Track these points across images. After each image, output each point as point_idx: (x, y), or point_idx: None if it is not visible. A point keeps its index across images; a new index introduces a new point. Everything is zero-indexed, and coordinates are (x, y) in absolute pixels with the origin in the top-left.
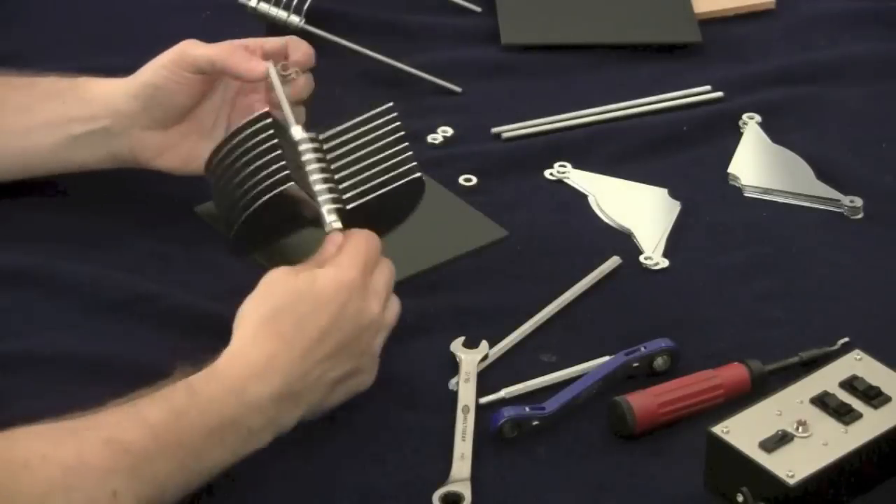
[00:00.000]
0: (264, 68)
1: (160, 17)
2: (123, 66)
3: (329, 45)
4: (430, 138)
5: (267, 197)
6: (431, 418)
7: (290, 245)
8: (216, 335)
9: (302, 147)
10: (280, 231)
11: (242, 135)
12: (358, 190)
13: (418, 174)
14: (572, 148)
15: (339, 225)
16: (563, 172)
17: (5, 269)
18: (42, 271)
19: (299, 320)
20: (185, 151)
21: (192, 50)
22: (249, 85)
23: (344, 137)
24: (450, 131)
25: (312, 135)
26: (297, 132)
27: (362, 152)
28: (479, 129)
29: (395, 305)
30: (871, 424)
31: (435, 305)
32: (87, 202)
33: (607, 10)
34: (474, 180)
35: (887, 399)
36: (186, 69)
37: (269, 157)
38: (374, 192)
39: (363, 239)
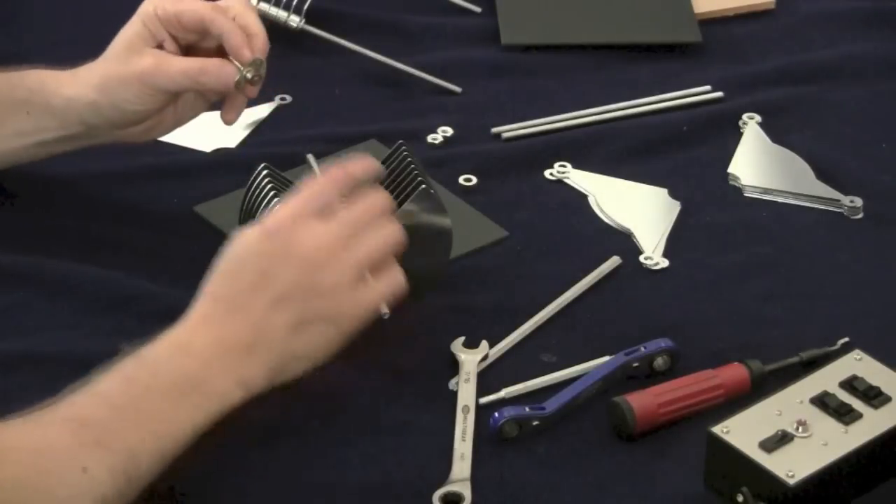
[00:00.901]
0: (235, 73)
1: None
2: None
3: (329, 45)
4: (430, 138)
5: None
6: (431, 418)
7: None
8: None
9: None
10: None
11: (248, 188)
12: None
13: (423, 186)
14: (572, 148)
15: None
16: (563, 172)
17: (5, 269)
18: (42, 271)
19: (230, 275)
20: (166, 128)
21: (159, 81)
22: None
23: None
24: (450, 131)
25: None
26: None
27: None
28: (479, 129)
29: (370, 239)
30: (871, 424)
31: (435, 305)
32: (87, 202)
33: (607, 10)
34: (474, 180)
35: (887, 399)
36: (155, 95)
37: (265, 198)
38: None
39: (310, 184)
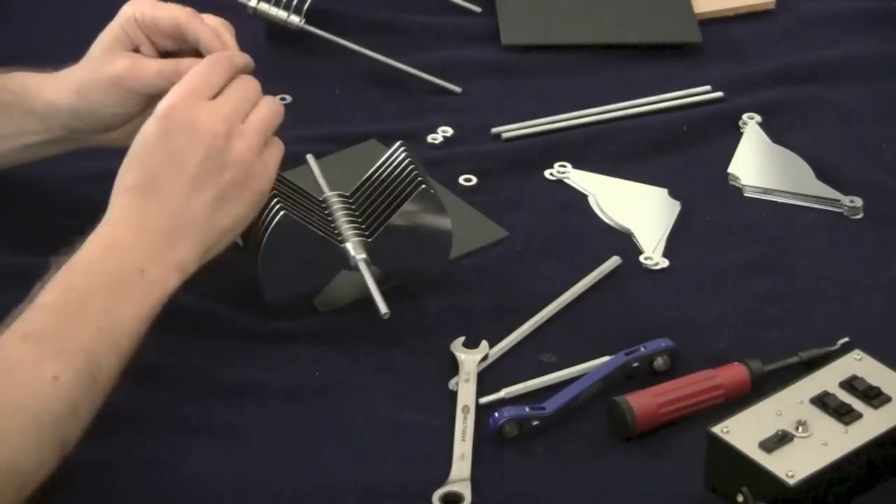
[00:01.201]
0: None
1: None
2: None
3: (329, 45)
4: (430, 138)
5: (269, 231)
6: (431, 418)
7: (338, 287)
8: (216, 335)
9: (327, 202)
10: (318, 276)
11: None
12: (377, 221)
13: (423, 187)
14: (572, 148)
15: (363, 255)
16: (563, 172)
17: (5, 269)
18: (42, 271)
19: (140, 163)
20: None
21: (135, 84)
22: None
23: (365, 186)
24: (450, 131)
25: (340, 192)
26: (325, 191)
27: (378, 190)
28: (479, 129)
29: (261, 108)
30: (871, 424)
31: (435, 305)
32: (87, 202)
33: (607, 10)
34: (474, 180)
35: (887, 399)
36: (133, 97)
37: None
38: (389, 215)
39: (200, 63)
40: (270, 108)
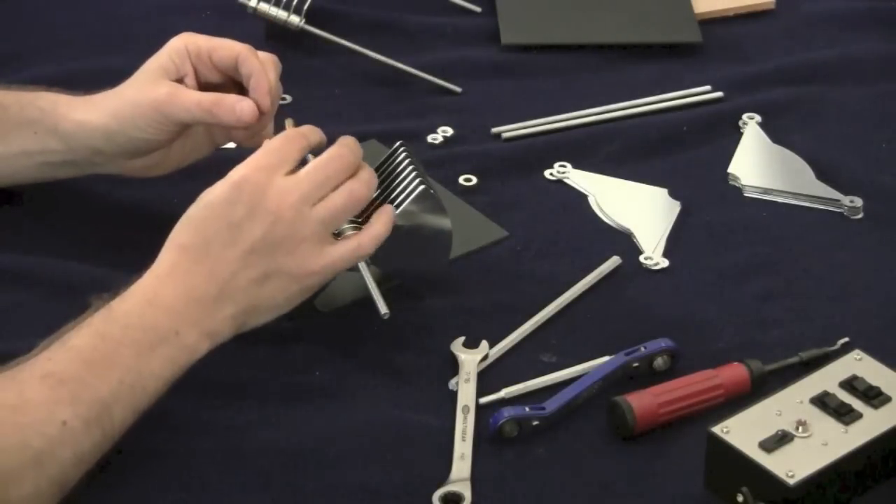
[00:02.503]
0: (251, 110)
1: (160, 18)
2: (123, 67)
3: (329, 45)
4: (430, 138)
5: None
6: (431, 418)
7: (338, 287)
8: None
9: None
10: None
11: None
12: None
13: (423, 187)
14: (572, 148)
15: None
16: (563, 172)
17: (5, 269)
18: (42, 271)
19: (198, 225)
20: (172, 164)
21: (173, 112)
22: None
23: None
24: (450, 131)
25: None
26: None
27: (379, 191)
28: (479, 129)
29: (337, 195)
30: (871, 424)
31: (435, 305)
32: (87, 202)
33: (607, 10)
34: (474, 180)
35: (887, 399)
36: (167, 125)
37: None
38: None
39: (275, 138)
40: (350, 199)
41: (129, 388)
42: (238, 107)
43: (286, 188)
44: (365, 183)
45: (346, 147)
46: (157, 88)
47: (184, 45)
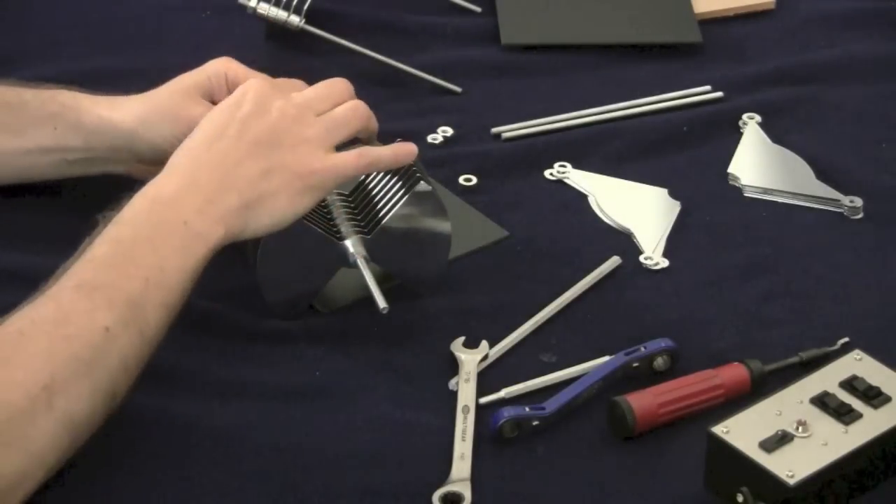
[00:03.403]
0: None
1: (160, 18)
2: (123, 67)
3: (329, 45)
4: (430, 138)
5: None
6: (431, 418)
7: (338, 287)
8: (216, 335)
9: (326, 200)
10: (318, 274)
11: None
12: (377, 219)
13: (422, 183)
14: (572, 148)
15: (362, 252)
16: (563, 172)
17: (5, 269)
18: (42, 271)
19: (202, 126)
20: None
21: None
22: None
23: (364, 185)
24: (450, 131)
25: (339, 190)
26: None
27: (378, 188)
28: (479, 129)
29: (340, 108)
30: (871, 424)
31: (435, 305)
32: (87, 202)
33: (607, 10)
34: (474, 180)
35: (887, 399)
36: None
37: None
38: (388, 212)
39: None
40: (351, 110)
41: (156, 285)
42: None
43: (293, 96)
44: (365, 106)
45: (343, 80)
46: (195, 107)
47: (224, 69)
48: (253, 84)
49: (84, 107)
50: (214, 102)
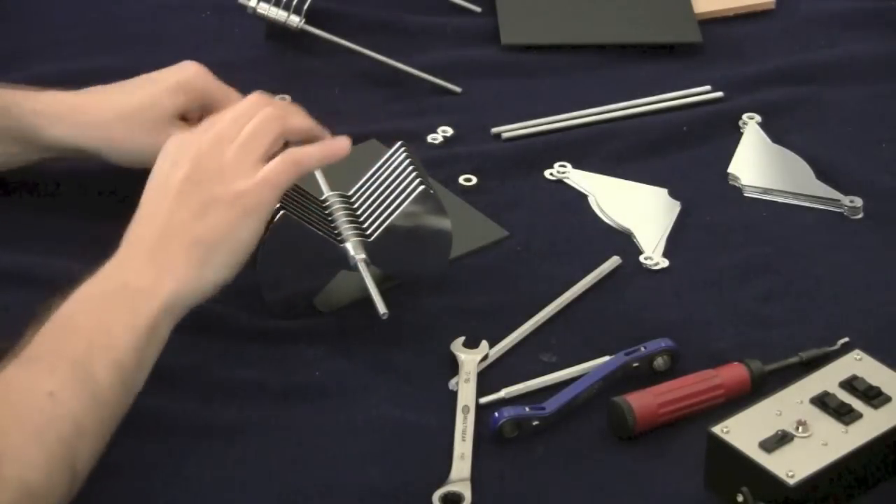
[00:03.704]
0: None
1: (160, 18)
2: (123, 67)
3: (329, 45)
4: (430, 138)
5: (269, 231)
6: (431, 418)
7: (338, 287)
8: (216, 335)
9: (327, 202)
10: (318, 276)
11: None
12: (377, 222)
13: (423, 187)
14: (572, 148)
15: (362, 256)
16: (563, 172)
17: (5, 269)
18: (42, 271)
19: (141, 203)
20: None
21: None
22: None
23: (365, 187)
24: (450, 131)
25: (340, 192)
26: (325, 191)
27: (379, 191)
28: (479, 129)
29: (252, 125)
30: (871, 424)
31: (435, 305)
32: (87, 202)
33: (607, 10)
34: (474, 180)
35: (887, 399)
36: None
37: None
38: (388, 217)
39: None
40: (262, 121)
41: (101, 347)
42: None
43: (201, 134)
44: (278, 107)
45: (253, 100)
46: (161, 136)
47: (202, 86)
48: (171, 140)
49: (39, 125)
50: (186, 119)
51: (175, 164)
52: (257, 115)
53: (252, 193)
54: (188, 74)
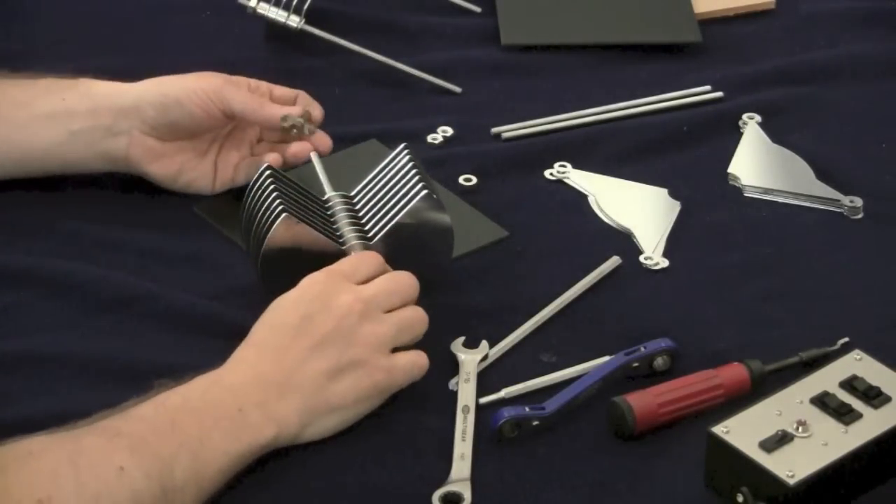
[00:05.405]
0: (279, 116)
1: (160, 18)
2: (123, 67)
3: (329, 45)
4: (430, 138)
5: (271, 231)
6: (431, 418)
7: None
8: (216, 335)
9: (330, 203)
10: None
11: (251, 189)
12: (379, 225)
13: (426, 191)
14: (572, 148)
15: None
16: (563, 172)
17: (5, 269)
18: (42, 271)
19: (268, 323)
20: (177, 164)
21: (229, 95)
22: (246, 121)
23: (367, 188)
24: (450, 131)
25: (342, 192)
26: (328, 191)
27: (381, 193)
28: (479, 129)
29: (405, 310)
30: (871, 424)
31: (435, 305)
32: (87, 202)
33: (607, 10)
34: (474, 180)
35: (887, 399)
36: (217, 107)
37: (268, 200)
38: (391, 220)
39: (355, 255)
40: (416, 315)
41: (191, 453)
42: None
43: (357, 288)
44: (423, 313)
45: (410, 278)
46: (214, 78)
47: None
48: (319, 278)
49: (96, 81)
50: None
51: (323, 308)
52: (412, 307)
53: (393, 375)
54: (216, 84)
